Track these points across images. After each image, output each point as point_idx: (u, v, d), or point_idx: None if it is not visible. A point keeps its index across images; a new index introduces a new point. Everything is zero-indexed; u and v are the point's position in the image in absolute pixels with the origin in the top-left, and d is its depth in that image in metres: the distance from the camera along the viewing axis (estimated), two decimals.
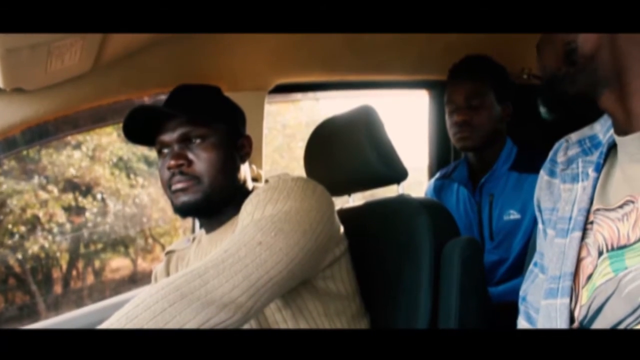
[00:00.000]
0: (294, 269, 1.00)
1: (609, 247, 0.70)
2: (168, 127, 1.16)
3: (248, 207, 1.08)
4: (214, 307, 0.90)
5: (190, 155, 1.16)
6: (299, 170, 1.50)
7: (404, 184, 1.37)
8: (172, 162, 1.14)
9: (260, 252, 0.97)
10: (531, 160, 1.65)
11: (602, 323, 0.68)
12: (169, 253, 1.34)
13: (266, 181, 1.17)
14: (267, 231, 1.00)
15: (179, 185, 1.16)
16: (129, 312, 0.89)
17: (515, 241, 1.66)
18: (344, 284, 1.17)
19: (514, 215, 1.66)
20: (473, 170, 1.78)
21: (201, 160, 1.16)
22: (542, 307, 0.77)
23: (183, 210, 1.18)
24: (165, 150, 1.18)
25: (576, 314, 0.72)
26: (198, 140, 1.16)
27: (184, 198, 1.16)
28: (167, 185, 1.18)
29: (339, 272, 1.16)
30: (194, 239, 1.32)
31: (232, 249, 0.97)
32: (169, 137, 1.16)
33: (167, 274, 1.31)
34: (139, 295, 0.93)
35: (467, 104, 1.68)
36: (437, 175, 1.90)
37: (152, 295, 0.90)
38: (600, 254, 0.70)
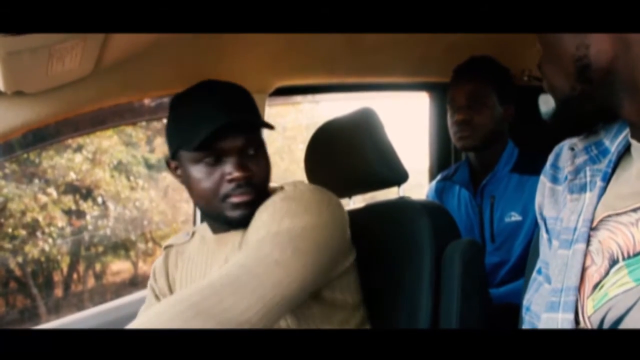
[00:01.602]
0: (307, 286, 1.01)
1: (625, 255, 0.66)
2: (229, 134, 1.09)
3: (264, 216, 1.07)
4: (227, 327, 0.90)
5: (251, 166, 1.11)
6: (300, 173, 1.50)
7: (404, 186, 1.37)
8: (239, 174, 1.08)
9: (276, 271, 0.97)
10: (532, 162, 1.65)
11: None
12: (168, 248, 1.32)
13: (281, 188, 1.15)
14: (283, 248, 0.99)
15: (245, 198, 1.10)
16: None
17: (517, 243, 1.66)
18: (351, 294, 1.17)
19: (515, 217, 1.66)
20: (474, 172, 1.78)
21: (260, 170, 1.12)
22: (542, 320, 0.75)
23: (238, 223, 1.13)
24: (212, 159, 1.10)
25: (582, 325, 0.70)
26: (255, 150, 1.12)
27: (245, 211, 1.11)
28: (221, 196, 1.11)
29: (347, 283, 1.16)
30: (193, 233, 1.30)
31: (249, 264, 0.97)
32: (230, 144, 1.09)
33: (166, 268, 1.28)
34: (153, 309, 0.92)
35: (468, 104, 1.68)
36: (439, 177, 1.90)
37: (166, 311, 0.90)
38: (615, 262, 0.67)
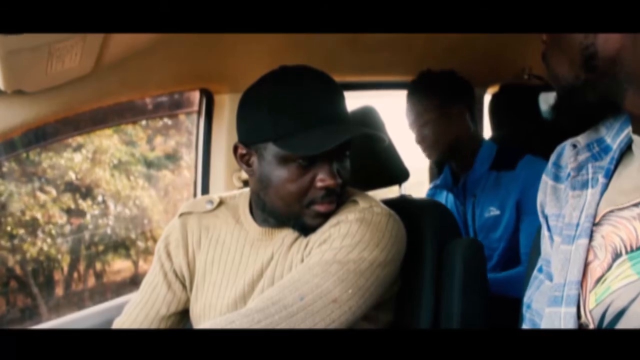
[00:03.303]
0: (354, 319, 1.01)
1: (628, 249, 0.67)
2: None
3: (334, 233, 1.04)
4: None
5: (342, 172, 1.08)
6: None
7: (405, 184, 1.37)
8: (333, 181, 1.04)
9: (332, 310, 0.97)
10: (509, 159, 1.70)
11: (625, 327, 0.65)
12: (185, 215, 1.21)
13: (354, 200, 1.10)
14: (345, 286, 0.99)
15: (332, 207, 1.07)
16: None
17: (497, 237, 1.70)
18: (391, 312, 1.17)
19: (493, 211, 1.69)
20: (455, 174, 1.84)
21: (348, 176, 1.10)
22: (545, 315, 0.75)
23: (312, 231, 1.09)
24: (307, 162, 1.04)
25: (583, 319, 0.70)
26: (346, 154, 1.08)
27: (324, 220, 1.08)
28: (306, 202, 1.06)
29: (390, 304, 1.16)
30: (219, 203, 1.21)
31: (309, 298, 0.97)
32: (332, 151, 1.03)
33: (185, 241, 1.19)
34: (206, 325, 0.93)
35: (416, 123, 1.75)
36: (431, 185, 1.96)
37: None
38: (618, 256, 0.68)
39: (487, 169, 1.73)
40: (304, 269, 1.02)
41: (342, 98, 1.09)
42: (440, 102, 1.73)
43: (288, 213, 1.08)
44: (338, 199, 1.09)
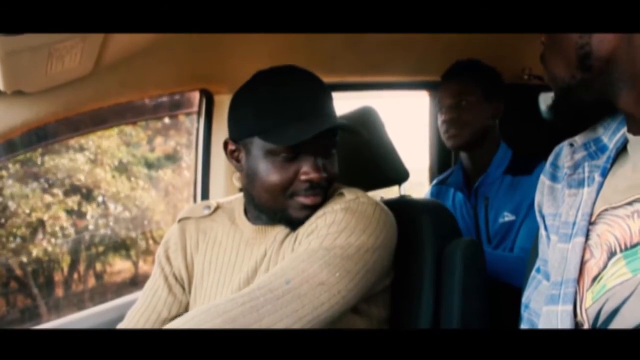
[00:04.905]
0: (348, 307, 1.01)
1: (623, 247, 0.68)
2: (319, 135, 1.04)
3: (320, 223, 1.06)
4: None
5: (327, 167, 1.09)
6: None
7: (405, 185, 1.37)
8: (316, 175, 1.06)
9: (320, 293, 0.97)
10: (525, 164, 1.68)
11: (619, 326, 0.66)
12: (184, 220, 1.24)
13: (340, 193, 1.12)
14: (332, 269, 0.99)
15: (317, 200, 1.09)
16: None
17: (511, 242, 1.68)
18: (385, 308, 1.17)
19: (508, 217, 1.67)
20: (468, 174, 1.80)
21: (333, 172, 1.11)
22: (542, 314, 0.76)
23: (299, 224, 1.10)
24: (291, 155, 1.07)
25: (579, 317, 0.71)
26: (332, 151, 1.11)
27: (310, 213, 1.09)
28: (289, 194, 1.08)
29: (383, 299, 1.16)
30: (216, 208, 1.24)
31: (295, 281, 0.96)
32: (315, 144, 1.06)
33: (183, 245, 1.22)
34: (184, 319, 0.92)
35: (454, 103, 1.70)
36: (434, 181, 1.93)
37: (201, 324, 0.90)
38: (613, 254, 0.68)
39: (501, 173, 1.70)
40: (291, 257, 1.03)
41: (325, 94, 1.12)
42: (483, 88, 1.70)
43: (274, 206, 1.10)
44: (324, 193, 1.10)
